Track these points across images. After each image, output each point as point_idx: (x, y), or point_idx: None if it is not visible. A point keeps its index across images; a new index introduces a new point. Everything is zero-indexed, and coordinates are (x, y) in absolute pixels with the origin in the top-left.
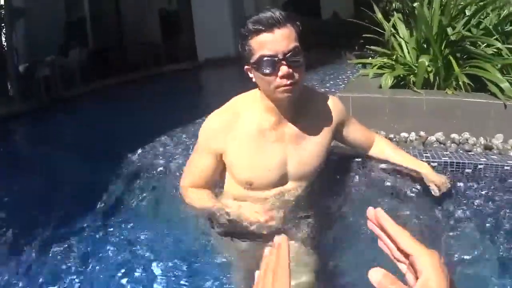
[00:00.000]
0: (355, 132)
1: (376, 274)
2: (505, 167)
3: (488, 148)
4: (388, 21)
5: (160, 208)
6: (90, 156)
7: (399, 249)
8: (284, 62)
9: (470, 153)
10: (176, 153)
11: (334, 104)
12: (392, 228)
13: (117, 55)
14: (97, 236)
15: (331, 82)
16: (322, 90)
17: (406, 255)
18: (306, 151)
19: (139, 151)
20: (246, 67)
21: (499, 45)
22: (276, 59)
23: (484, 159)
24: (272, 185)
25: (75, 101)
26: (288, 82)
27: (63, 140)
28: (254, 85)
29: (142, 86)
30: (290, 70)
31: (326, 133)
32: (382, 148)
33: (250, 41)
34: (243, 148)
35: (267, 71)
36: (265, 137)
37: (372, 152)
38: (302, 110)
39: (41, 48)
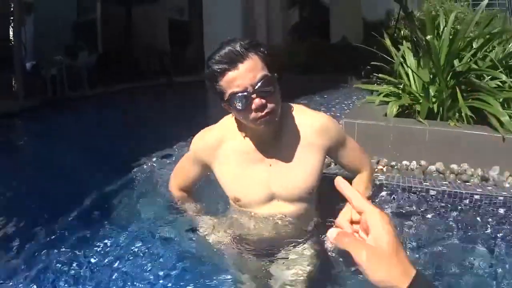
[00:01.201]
0: (348, 156)
1: (332, 231)
2: (499, 198)
3: (484, 179)
4: (396, 48)
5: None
6: (86, 155)
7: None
8: (254, 96)
9: (467, 183)
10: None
11: (326, 123)
12: (347, 191)
13: (125, 61)
14: (92, 232)
15: (337, 106)
16: (326, 112)
17: (360, 213)
18: (292, 171)
19: (135, 157)
20: (222, 104)
21: (504, 77)
22: (246, 93)
23: (480, 190)
24: (259, 203)
25: (79, 103)
26: (264, 113)
27: (61, 138)
28: None
29: (147, 94)
30: (263, 101)
31: (315, 153)
32: (357, 181)
33: (219, 82)
34: (228, 167)
35: (240, 107)
36: (249, 158)
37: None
38: (287, 130)
39: (49, 47)
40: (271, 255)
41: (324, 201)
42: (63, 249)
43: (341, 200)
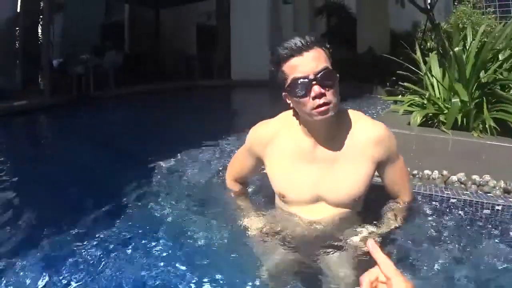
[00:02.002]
0: (394, 175)
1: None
2: None
3: (507, 191)
4: (422, 60)
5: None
6: (105, 153)
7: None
8: (315, 82)
9: (489, 194)
10: (187, 167)
11: (384, 135)
12: (378, 255)
13: (151, 63)
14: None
15: None
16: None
17: (388, 279)
18: (341, 176)
19: (153, 158)
20: (283, 93)
21: None
22: (307, 80)
23: (502, 201)
24: (303, 203)
25: (104, 102)
26: (321, 101)
27: (85, 135)
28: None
29: (172, 97)
30: (322, 90)
31: (367, 163)
32: (392, 206)
33: (282, 67)
34: (279, 162)
35: (300, 93)
36: (300, 157)
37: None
38: (343, 135)
39: (77, 46)
40: (309, 256)
41: (368, 208)
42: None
43: (383, 208)
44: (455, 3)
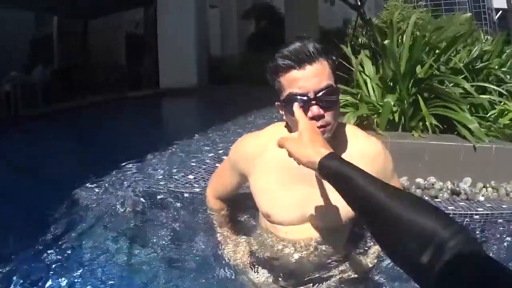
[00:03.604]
0: None
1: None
2: (474, 216)
3: (455, 193)
4: (355, 56)
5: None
6: (37, 179)
7: None
8: (314, 102)
9: (436, 200)
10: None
11: (377, 153)
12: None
13: (81, 76)
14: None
15: None
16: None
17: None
18: (330, 196)
19: (90, 180)
20: (276, 103)
21: (466, 85)
22: (306, 98)
23: (452, 207)
24: (289, 224)
25: (33, 120)
26: (319, 124)
27: (12, 160)
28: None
29: (104, 109)
30: (321, 111)
31: None
32: None
33: (279, 78)
34: (265, 180)
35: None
36: (288, 175)
37: None
38: (336, 152)
39: (5, 63)
40: (294, 280)
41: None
42: None
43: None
44: None
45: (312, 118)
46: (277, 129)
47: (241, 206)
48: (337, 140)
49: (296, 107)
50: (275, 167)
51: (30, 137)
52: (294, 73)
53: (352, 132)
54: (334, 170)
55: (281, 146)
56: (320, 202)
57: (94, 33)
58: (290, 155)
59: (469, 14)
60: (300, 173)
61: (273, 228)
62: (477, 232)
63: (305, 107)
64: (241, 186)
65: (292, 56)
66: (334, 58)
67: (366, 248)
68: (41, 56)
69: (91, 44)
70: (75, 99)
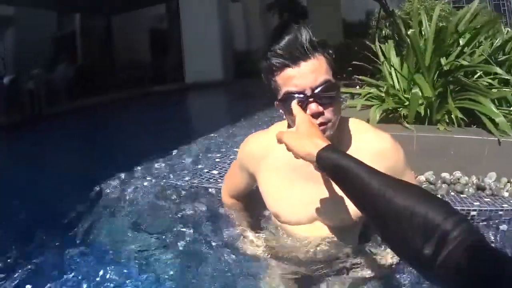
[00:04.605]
0: None
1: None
2: (499, 212)
3: (480, 188)
4: (378, 50)
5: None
6: (62, 179)
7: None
8: (312, 100)
9: (462, 195)
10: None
11: (386, 149)
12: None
13: (105, 73)
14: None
15: None
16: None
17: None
18: (339, 196)
19: (115, 176)
20: (275, 102)
21: (499, 70)
22: (303, 96)
23: (477, 203)
24: (298, 223)
25: (58, 118)
26: (318, 122)
27: (37, 160)
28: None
29: (128, 104)
30: (320, 108)
31: None
32: None
33: (274, 77)
34: (272, 180)
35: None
36: (296, 173)
37: None
38: (341, 148)
39: (28, 61)
40: (307, 277)
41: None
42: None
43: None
44: None
45: (312, 116)
46: (280, 128)
47: (259, 203)
48: (341, 136)
49: (293, 103)
50: (281, 167)
51: (55, 135)
52: (289, 71)
53: (358, 126)
54: (332, 162)
55: (279, 140)
56: (329, 201)
57: (117, 29)
58: (288, 149)
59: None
60: (307, 171)
61: (283, 227)
62: (502, 228)
63: (303, 105)
64: (253, 185)
65: (285, 54)
66: (330, 51)
67: (383, 248)
68: (64, 54)
69: (114, 40)
70: (99, 96)
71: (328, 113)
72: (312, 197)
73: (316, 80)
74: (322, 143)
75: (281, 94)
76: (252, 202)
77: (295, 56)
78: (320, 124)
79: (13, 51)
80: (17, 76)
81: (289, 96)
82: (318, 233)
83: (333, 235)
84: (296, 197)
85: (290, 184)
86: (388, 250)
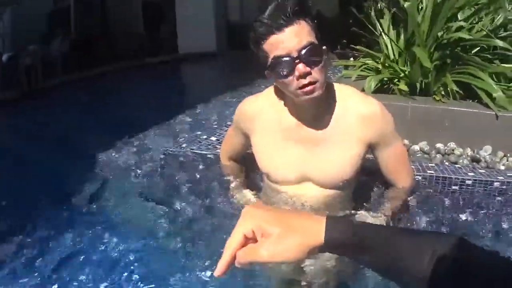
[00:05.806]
0: (389, 160)
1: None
2: (495, 183)
3: (475, 160)
4: (374, 22)
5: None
6: (60, 150)
7: None
8: (298, 61)
9: (456, 165)
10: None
11: (374, 113)
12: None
13: (99, 45)
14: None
15: None
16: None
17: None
18: (328, 157)
19: (112, 146)
20: (266, 72)
21: (501, 43)
22: (290, 58)
23: (472, 174)
24: (288, 183)
25: (55, 91)
26: (306, 81)
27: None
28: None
29: (123, 76)
30: (307, 68)
31: (355, 144)
32: (392, 196)
33: (262, 45)
34: (263, 140)
35: (283, 73)
36: (286, 135)
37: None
38: (330, 113)
39: (26, 37)
40: None
41: (361, 190)
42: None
43: (377, 188)
44: None
45: (300, 77)
46: (272, 92)
47: (254, 166)
48: (330, 99)
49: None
50: (273, 127)
51: (52, 107)
52: (275, 38)
53: (345, 91)
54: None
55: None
56: (318, 161)
57: (111, 1)
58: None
59: None
60: (299, 133)
61: (274, 187)
62: (497, 199)
63: (291, 68)
64: (249, 146)
65: (270, 22)
66: (313, 18)
67: (378, 214)
68: (59, 27)
69: (108, 13)
70: (95, 67)
71: (315, 73)
72: (301, 158)
73: (300, 42)
74: (320, 216)
75: (269, 61)
76: (248, 164)
77: (279, 23)
78: (309, 84)
79: (11, 29)
80: (14, 53)
81: (277, 60)
82: (309, 192)
83: (323, 197)
84: (286, 158)
85: (280, 144)
86: (383, 216)
